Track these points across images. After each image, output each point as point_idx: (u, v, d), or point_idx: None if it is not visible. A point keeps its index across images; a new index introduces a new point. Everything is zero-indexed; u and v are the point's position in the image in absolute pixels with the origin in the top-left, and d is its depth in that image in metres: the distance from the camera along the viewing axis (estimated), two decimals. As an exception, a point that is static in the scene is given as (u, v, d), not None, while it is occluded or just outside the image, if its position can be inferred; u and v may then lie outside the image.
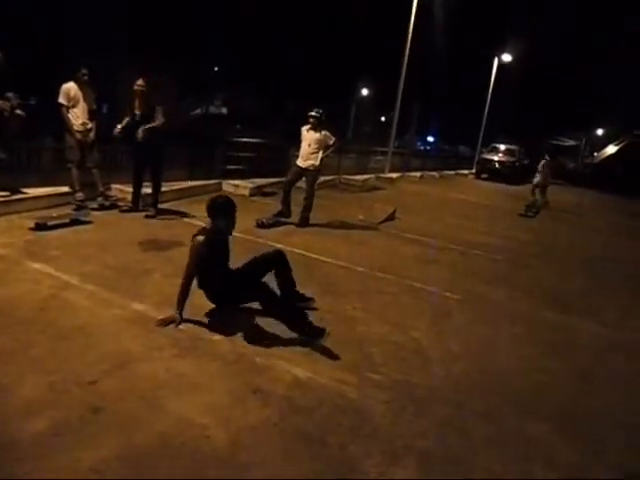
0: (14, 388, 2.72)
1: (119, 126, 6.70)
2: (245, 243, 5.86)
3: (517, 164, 23.38)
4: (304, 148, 7.58)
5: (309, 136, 7.55)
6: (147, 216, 6.81)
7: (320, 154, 7.54)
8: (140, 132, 6.46)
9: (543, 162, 14.38)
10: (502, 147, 24.91)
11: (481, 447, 2.80)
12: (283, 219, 7.55)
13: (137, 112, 6.67)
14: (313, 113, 7.51)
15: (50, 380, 2.83)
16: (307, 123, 7.60)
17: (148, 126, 6.53)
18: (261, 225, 7.08)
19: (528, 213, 12.50)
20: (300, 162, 7.65)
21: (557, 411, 3.29)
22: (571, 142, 38.60)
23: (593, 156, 36.19)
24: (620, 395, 3.65)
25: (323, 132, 7.55)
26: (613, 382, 3.84)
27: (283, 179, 8.15)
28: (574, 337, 4.67)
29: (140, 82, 6.64)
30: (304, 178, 7.69)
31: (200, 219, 7.08)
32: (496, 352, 4.09)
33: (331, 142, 7.64)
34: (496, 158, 23.91)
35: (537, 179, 14.25)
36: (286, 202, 7.66)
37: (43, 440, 2.36)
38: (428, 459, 2.63)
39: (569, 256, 8.46)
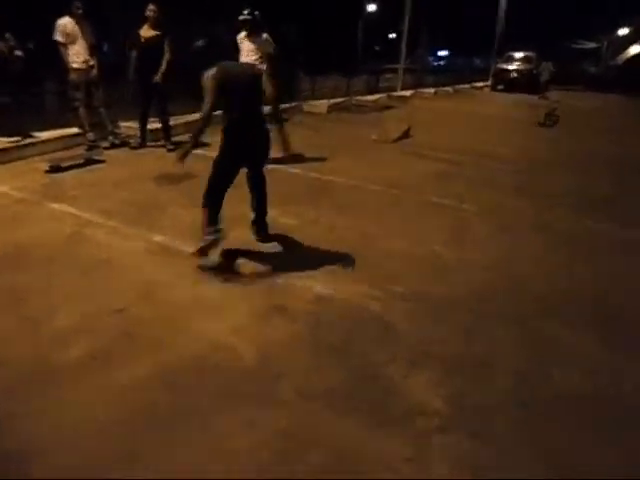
0: (48, 320, 2.83)
1: (131, 70, 6.65)
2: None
3: (535, 72, 22.28)
4: (243, 60, 6.16)
5: (246, 45, 6.22)
6: (169, 150, 6.83)
7: (264, 66, 5.89)
8: (158, 76, 6.54)
9: (544, 63, 20.08)
10: (518, 55, 23.69)
11: (503, 349, 2.85)
12: None
13: (144, 39, 6.53)
14: (243, 16, 6.05)
15: (81, 310, 2.93)
16: (240, 30, 6.26)
17: (163, 68, 6.54)
18: None
19: (547, 122, 12.09)
20: None
21: (582, 314, 3.30)
22: (592, 45, 36.57)
23: (616, 58, 34.32)
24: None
25: (264, 36, 6.21)
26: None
27: None
28: (598, 242, 4.62)
29: (152, 7, 6.48)
30: None
31: (210, 150, 7.04)
32: (518, 260, 4.09)
33: (271, 50, 6.22)
34: (512, 67, 22.79)
35: (544, 77, 19.78)
36: None
37: (81, 364, 2.47)
38: (451, 363, 2.69)
39: (591, 162, 8.23)
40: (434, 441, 2.15)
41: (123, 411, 2.20)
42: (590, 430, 2.28)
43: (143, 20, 6.57)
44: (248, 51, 6.20)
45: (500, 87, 23.00)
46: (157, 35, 6.54)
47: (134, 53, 6.64)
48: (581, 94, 22.30)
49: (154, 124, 7.11)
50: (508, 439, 2.19)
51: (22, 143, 6.23)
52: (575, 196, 5.99)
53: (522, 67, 22.64)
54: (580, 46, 35.44)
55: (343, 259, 3.79)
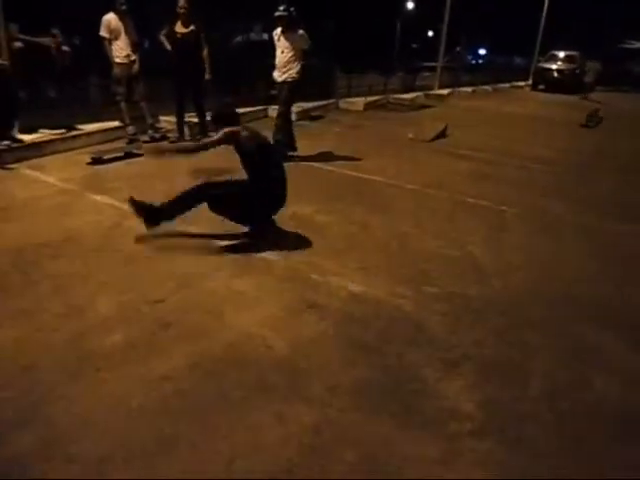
0: (89, 308, 2.92)
1: (166, 44, 6.72)
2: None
3: (578, 71, 21.57)
4: (278, 57, 6.30)
5: (282, 41, 6.24)
6: None
7: (298, 64, 6.24)
8: (208, 74, 6.73)
9: (590, 63, 19.24)
10: (561, 54, 22.96)
11: (540, 354, 2.79)
12: (290, 153, 6.44)
13: (179, 35, 6.62)
14: (279, 12, 6.12)
15: (121, 300, 3.01)
16: (276, 26, 6.31)
17: (207, 64, 6.67)
18: None
19: (589, 123, 11.75)
20: (276, 75, 6.38)
21: (620, 320, 3.22)
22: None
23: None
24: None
25: (300, 32, 6.20)
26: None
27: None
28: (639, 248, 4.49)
29: (182, 3, 6.54)
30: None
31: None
32: (555, 263, 4.00)
33: (306, 46, 6.26)
34: (555, 67, 22.10)
35: (589, 77, 19.08)
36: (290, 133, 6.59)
37: (119, 352, 2.54)
38: (485, 366, 2.66)
39: (635, 165, 7.97)
40: (465, 445, 2.13)
41: (158, 399, 2.25)
42: (626, 439, 2.23)
43: (175, 17, 6.64)
44: (283, 47, 6.22)
45: (541, 87, 22.42)
46: (191, 31, 6.62)
47: (167, 43, 6.71)
48: (627, 95, 21.61)
49: (193, 119, 7.22)
50: (540, 445, 2.16)
51: (67, 135, 6.43)
52: (616, 200, 5.82)
53: (565, 67, 21.95)
54: (628, 45, 34.21)
55: (377, 258, 3.79)
